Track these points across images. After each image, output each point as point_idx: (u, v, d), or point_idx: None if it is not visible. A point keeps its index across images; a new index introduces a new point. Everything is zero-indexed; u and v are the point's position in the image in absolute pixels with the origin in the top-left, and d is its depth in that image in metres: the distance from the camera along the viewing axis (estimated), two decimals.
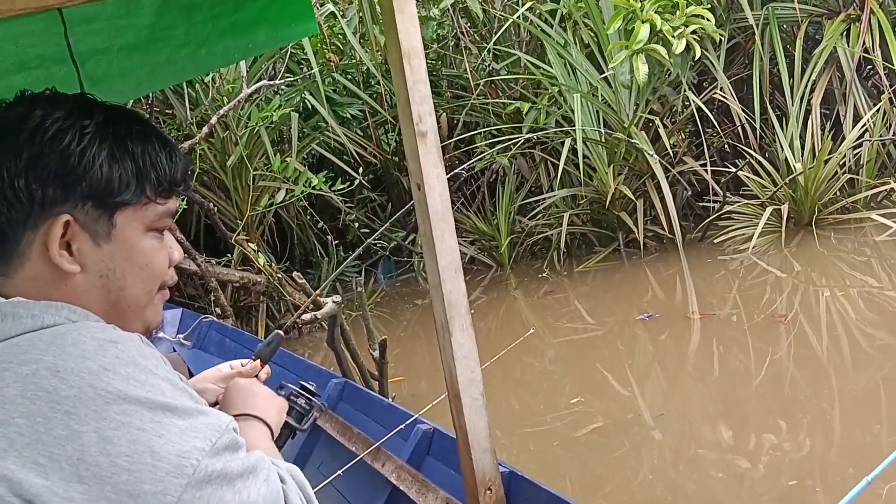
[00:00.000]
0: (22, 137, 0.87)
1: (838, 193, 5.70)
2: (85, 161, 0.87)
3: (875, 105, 5.87)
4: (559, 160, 5.98)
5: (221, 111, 5.46)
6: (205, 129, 5.44)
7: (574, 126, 5.85)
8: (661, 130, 5.93)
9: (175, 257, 0.97)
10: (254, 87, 5.58)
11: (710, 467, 2.70)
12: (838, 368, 3.45)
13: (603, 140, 6.06)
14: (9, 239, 0.87)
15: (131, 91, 2.19)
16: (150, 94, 5.62)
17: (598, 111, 6.15)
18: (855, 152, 5.78)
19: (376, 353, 3.46)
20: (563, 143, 6.03)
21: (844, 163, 5.74)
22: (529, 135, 6.27)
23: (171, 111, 6.25)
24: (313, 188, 5.35)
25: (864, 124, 5.75)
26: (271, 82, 5.82)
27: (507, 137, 6.53)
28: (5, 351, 0.77)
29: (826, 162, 5.57)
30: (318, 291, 4.23)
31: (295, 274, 4.64)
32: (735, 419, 3.02)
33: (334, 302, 3.97)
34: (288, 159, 5.52)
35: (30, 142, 0.86)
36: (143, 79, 1.78)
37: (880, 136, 5.81)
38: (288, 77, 6.20)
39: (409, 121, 1.56)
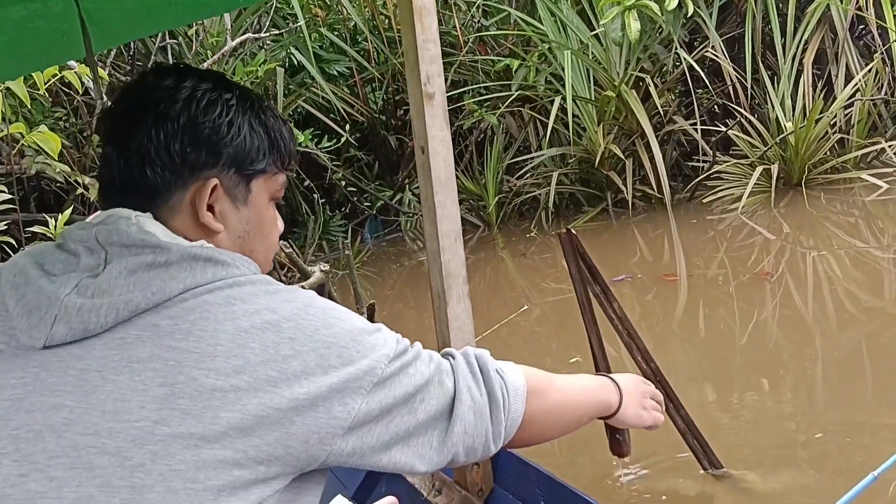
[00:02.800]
0: (177, 106, 0.96)
1: (828, 153, 5.67)
2: (232, 130, 0.98)
3: (867, 65, 5.82)
4: (548, 119, 5.92)
5: (205, 65, 5.34)
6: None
7: (564, 84, 5.78)
8: (652, 89, 5.86)
9: (280, 229, 1.09)
10: (238, 41, 5.47)
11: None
12: (823, 329, 3.45)
13: (593, 98, 5.99)
14: (161, 195, 0.97)
15: (129, 32, 2.11)
16: (132, 46, 5.50)
17: (588, 69, 6.07)
18: (846, 112, 5.75)
19: (364, 316, 3.43)
20: (552, 102, 5.96)
21: (835, 123, 5.70)
22: (519, 92, 6.19)
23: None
24: (299, 145, 5.28)
25: (856, 84, 5.71)
26: (256, 35, 5.71)
27: (495, 95, 6.45)
28: (226, 288, 0.91)
29: (817, 122, 5.53)
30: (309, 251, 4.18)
31: (281, 243, 4.60)
32: (720, 378, 3.02)
33: (321, 271, 3.94)
34: None
35: (185, 110, 0.96)
36: (142, 19, 1.71)
37: (872, 95, 5.77)
38: (273, 31, 6.08)
39: (416, 81, 1.51)
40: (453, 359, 1.08)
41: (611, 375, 1.38)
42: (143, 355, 0.86)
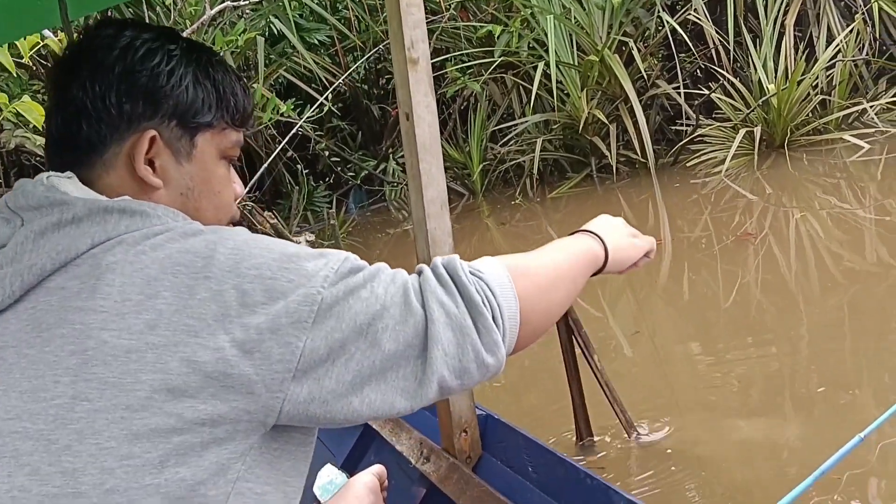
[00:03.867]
0: (113, 55, 0.91)
1: (811, 115, 5.69)
2: (173, 80, 0.92)
3: (848, 26, 5.81)
4: (532, 85, 5.89)
5: (184, 33, 5.27)
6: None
7: (547, 49, 5.74)
8: (636, 53, 5.84)
9: (238, 192, 1.01)
10: (217, 9, 5.39)
11: (682, 379, 2.74)
12: (806, 289, 3.49)
13: (576, 63, 5.96)
14: (96, 150, 0.91)
15: (82, 7, 2.08)
16: (110, 15, 5.41)
17: (571, 34, 6.03)
18: (828, 73, 5.75)
19: None
20: (535, 68, 5.93)
21: (817, 84, 5.71)
22: (502, 59, 6.15)
23: None
24: (281, 115, 5.24)
25: (838, 45, 5.71)
26: (235, 3, 5.63)
27: (478, 62, 6.41)
28: (138, 241, 0.83)
29: (799, 83, 5.54)
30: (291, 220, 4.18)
31: (266, 214, 4.57)
32: (705, 339, 3.05)
33: (307, 241, 3.93)
34: (255, 86, 5.38)
35: (121, 59, 0.91)
36: None
37: (853, 56, 5.77)
38: (252, 0, 6.00)
39: (400, 46, 1.49)
40: (420, 275, 0.92)
41: (579, 229, 1.19)
42: (51, 321, 0.79)
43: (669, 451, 2.30)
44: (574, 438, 2.37)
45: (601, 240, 1.15)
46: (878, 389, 2.45)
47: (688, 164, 5.72)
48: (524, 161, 6.20)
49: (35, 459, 0.75)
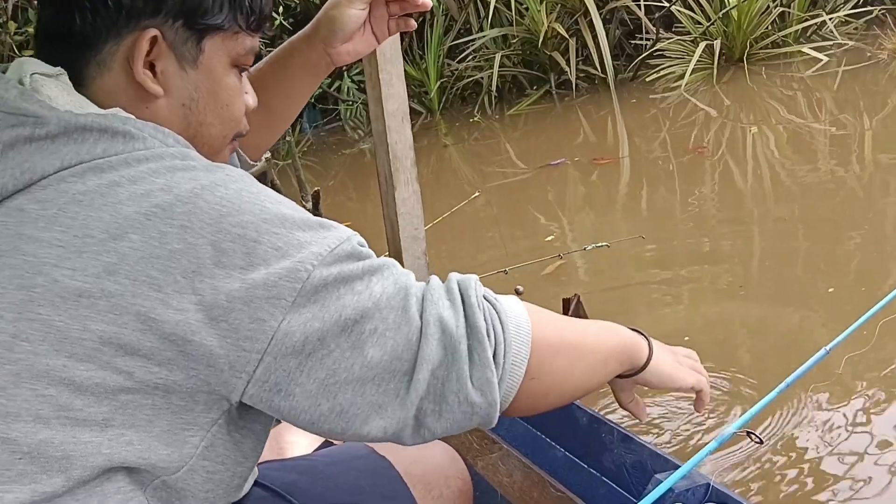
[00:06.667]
0: None
1: (770, 28, 5.65)
2: None
3: None
4: None
5: None
6: None
7: None
8: None
9: (250, 104, 0.90)
10: None
11: (639, 300, 2.76)
12: (761, 202, 3.51)
13: None
14: (90, 46, 0.80)
15: None
16: None
17: None
18: None
19: (309, 205, 3.36)
20: None
21: None
22: None
23: None
24: None
25: None
26: None
27: None
28: (115, 166, 0.72)
29: None
30: None
31: None
32: (663, 252, 3.07)
33: (265, 159, 3.82)
34: None
35: None
36: None
37: None
38: None
39: None
40: (427, 284, 0.80)
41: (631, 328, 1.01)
42: (3, 247, 0.70)
43: None
44: None
45: (648, 342, 0.98)
46: (832, 297, 2.49)
47: (647, 80, 5.68)
48: (482, 78, 6.09)
49: None
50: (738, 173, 3.89)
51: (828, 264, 2.75)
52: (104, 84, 0.81)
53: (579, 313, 2.14)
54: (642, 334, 0.98)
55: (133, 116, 0.78)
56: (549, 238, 3.45)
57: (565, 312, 2.10)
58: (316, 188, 3.37)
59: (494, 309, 0.81)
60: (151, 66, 0.81)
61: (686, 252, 3.06)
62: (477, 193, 3.87)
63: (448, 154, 5.41)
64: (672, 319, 2.56)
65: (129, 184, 0.71)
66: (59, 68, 0.80)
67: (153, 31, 0.80)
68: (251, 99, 0.90)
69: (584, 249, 2.96)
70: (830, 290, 2.54)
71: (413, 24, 1.16)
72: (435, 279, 0.81)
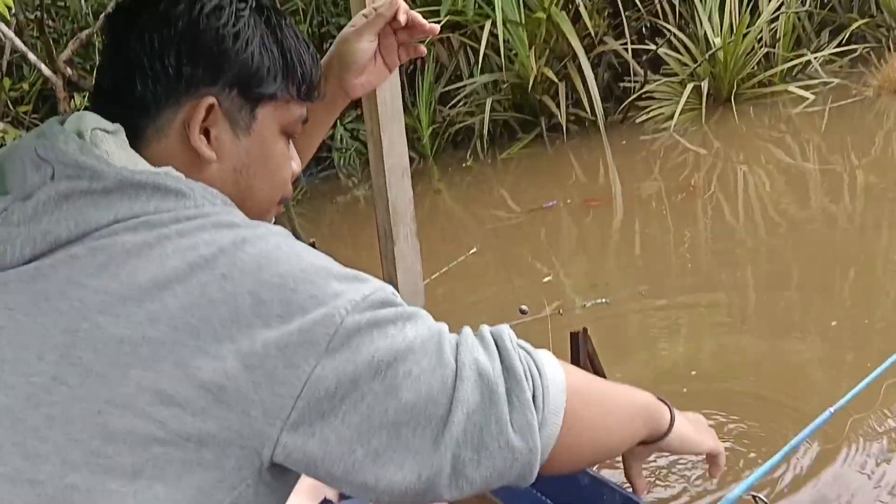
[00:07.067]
0: (178, 8, 0.82)
1: (756, 68, 5.73)
2: (239, 44, 0.83)
3: None
4: (479, 45, 5.81)
5: None
6: (102, 18, 5.06)
7: (493, 7, 5.67)
8: (583, 9, 5.80)
9: (296, 169, 0.92)
10: None
11: (639, 334, 2.76)
12: (754, 240, 3.53)
13: (523, 21, 5.90)
14: (149, 112, 0.83)
15: None
16: None
17: None
18: (771, 26, 5.80)
19: None
20: (482, 28, 5.85)
21: (761, 37, 5.75)
22: (448, 18, 6.05)
23: (63, 2, 5.81)
24: None
25: None
26: None
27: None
28: (165, 223, 0.75)
29: (744, 37, 5.57)
30: None
31: None
32: (656, 291, 3.07)
33: None
34: None
35: (187, 13, 0.82)
36: None
37: (796, 9, 5.82)
38: None
39: (361, 6, 1.42)
40: (459, 333, 0.81)
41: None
42: (51, 292, 0.72)
43: None
44: None
45: (669, 406, 0.98)
46: (825, 338, 2.49)
47: (637, 121, 5.73)
48: (474, 123, 6.14)
49: (0, 434, 0.69)
50: (729, 211, 3.92)
51: (826, 299, 2.76)
52: (160, 147, 0.83)
53: (588, 348, 2.12)
54: (661, 399, 0.98)
55: (183, 176, 0.80)
56: (546, 279, 3.46)
57: (573, 346, 2.08)
58: (312, 239, 3.38)
59: (529, 354, 0.81)
60: (206, 132, 0.83)
61: (681, 289, 3.06)
62: (475, 249, 3.87)
63: (442, 199, 5.44)
64: (673, 356, 2.56)
65: (177, 237, 0.73)
66: (117, 125, 0.82)
67: (211, 100, 0.82)
68: (296, 164, 0.93)
69: (584, 307, 2.96)
70: (833, 323, 2.54)
71: (423, 49, 1.18)
72: (467, 328, 0.82)
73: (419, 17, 1.13)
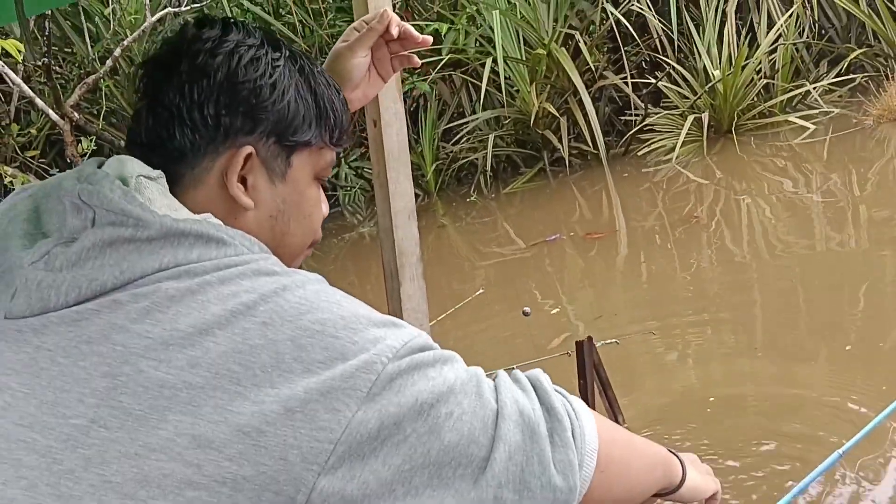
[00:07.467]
0: (216, 60, 0.84)
1: (756, 99, 5.77)
2: (276, 94, 0.86)
3: (788, 10, 5.92)
4: (481, 82, 5.88)
5: (125, 42, 5.17)
6: (108, 63, 5.15)
7: (494, 45, 5.74)
8: (582, 45, 5.87)
9: (325, 213, 0.96)
10: (158, 17, 5.29)
11: (645, 365, 2.75)
12: (758, 271, 3.53)
13: (524, 58, 5.97)
14: (187, 160, 0.85)
15: (38, 4, 1.99)
16: (47, 27, 5.27)
17: (517, 28, 6.04)
18: (770, 58, 5.85)
19: None
20: (483, 65, 5.92)
21: (760, 69, 5.80)
22: (449, 56, 6.14)
23: (70, 48, 5.90)
24: None
25: (778, 29, 5.81)
26: (176, 10, 5.52)
27: (426, 61, 6.37)
28: (207, 271, 0.76)
29: (743, 68, 5.62)
30: None
31: None
32: (663, 323, 3.07)
33: None
34: None
35: (224, 65, 0.84)
36: None
37: (794, 40, 5.88)
38: (194, 6, 5.90)
39: (363, 10, 1.44)
40: (495, 378, 0.83)
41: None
42: (93, 335, 0.73)
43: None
44: None
45: (680, 460, 1.01)
46: (833, 364, 2.48)
47: (639, 154, 5.77)
48: (477, 158, 6.19)
49: (35, 475, 0.70)
50: (732, 241, 3.93)
51: (835, 324, 2.75)
52: (197, 194, 0.85)
53: (594, 357, 2.09)
54: (671, 451, 1.00)
55: (222, 223, 0.81)
56: (554, 312, 3.46)
57: (579, 355, 2.06)
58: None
59: (565, 396, 0.84)
60: (243, 180, 0.85)
61: (688, 320, 3.06)
62: (481, 290, 3.87)
63: (446, 233, 5.46)
64: (684, 385, 2.55)
65: (219, 284, 0.75)
66: (159, 171, 0.83)
67: (249, 149, 0.84)
68: (326, 208, 0.96)
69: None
70: (848, 347, 2.54)
71: (416, 60, 1.20)
72: (502, 372, 0.84)
73: (411, 28, 1.16)
